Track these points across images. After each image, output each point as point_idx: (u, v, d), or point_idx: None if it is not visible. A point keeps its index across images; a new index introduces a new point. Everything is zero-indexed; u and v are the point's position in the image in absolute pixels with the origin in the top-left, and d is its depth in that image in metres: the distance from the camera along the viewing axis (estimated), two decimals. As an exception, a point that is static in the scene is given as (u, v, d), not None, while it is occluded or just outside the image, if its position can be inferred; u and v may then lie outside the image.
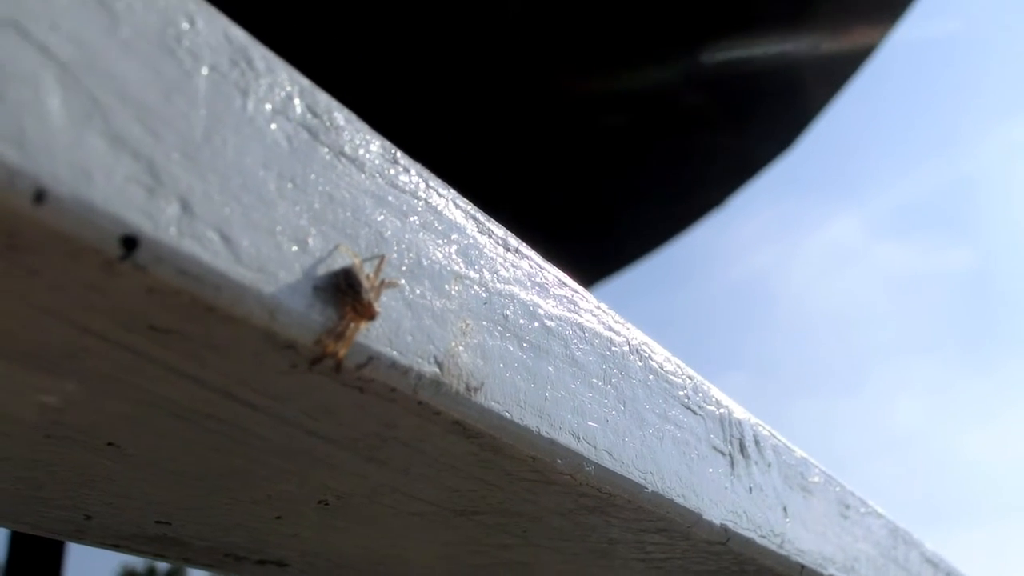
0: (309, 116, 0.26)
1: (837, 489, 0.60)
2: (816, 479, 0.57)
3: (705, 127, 1.68)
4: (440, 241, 0.31)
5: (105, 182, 0.20)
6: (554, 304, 0.36)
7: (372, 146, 0.28)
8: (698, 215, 1.86)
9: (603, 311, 0.40)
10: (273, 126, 0.25)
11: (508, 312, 0.33)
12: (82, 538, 0.47)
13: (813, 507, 0.55)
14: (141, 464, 0.35)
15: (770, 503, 0.50)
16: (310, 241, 0.26)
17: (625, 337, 0.41)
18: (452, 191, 0.32)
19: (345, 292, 0.26)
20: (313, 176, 0.26)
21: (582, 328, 0.38)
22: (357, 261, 0.27)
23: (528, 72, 1.44)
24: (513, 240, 0.35)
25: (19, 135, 0.19)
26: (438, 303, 0.30)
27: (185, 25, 0.23)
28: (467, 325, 0.31)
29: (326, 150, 0.27)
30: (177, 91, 0.22)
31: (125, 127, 0.21)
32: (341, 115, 0.27)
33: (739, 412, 0.49)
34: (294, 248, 0.25)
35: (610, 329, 0.40)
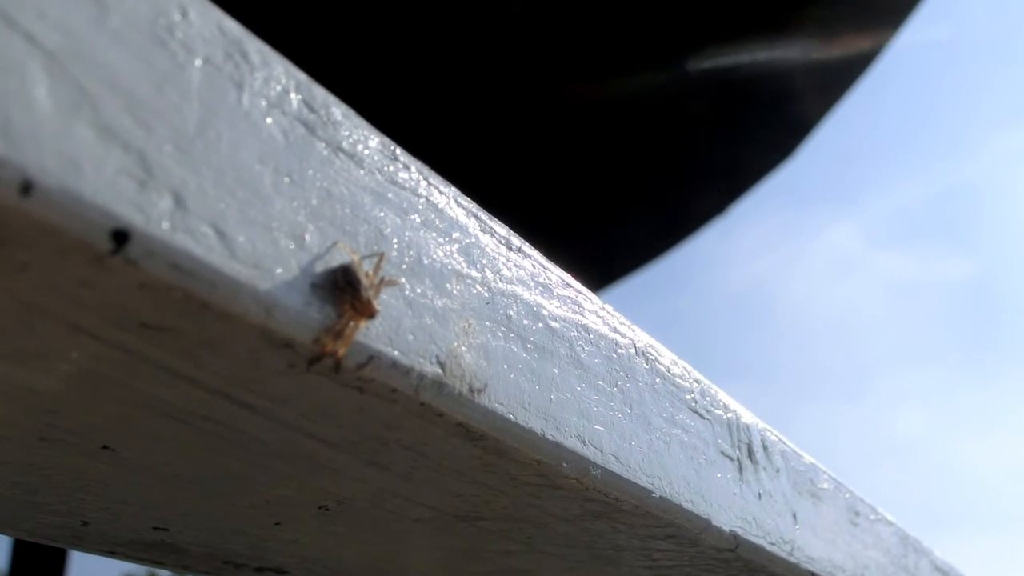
0: (306, 111, 0.26)
1: (847, 496, 0.59)
2: (825, 485, 0.56)
3: (707, 134, 1.68)
4: (441, 239, 0.30)
5: (95, 174, 0.20)
6: (558, 305, 0.36)
7: (371, 142, 0.28)
8: (700, 223, 1.85)
9: (608, 312, 0.39)
10: (269, 120, 0.24)
11: (511, 312, 0.33)
12: (79, 544, 0.47)
13: (823, 514, 0.54)
14: (136, 468, 0.34)
15: (779, 509, 0.49)
16: (307, 237, 0.25)
17: (631, 339, 0.40)
18: (453, 189, 0.31)
19: (344, 290, 0.25)
20: (310, 171, 0.25)
21: (587, 329, 0.37)
22: (356, 258, 0.26)
23: (531, 75, 1.44)
24: (516, 239, 0.35)
25: (5, 124, 0.18)
26: (439, 302, 0.29)
27: (177, 16, 0.22)
28: (469, 325, 0.30)
29: (323, 145, 0.26)
30: (169, 83, 0.22)
31: (115, 118, 0.20)
32: (339, 110, 0.27)
33: (747, 416, 0.48)
34: (291, 244, 0.24)
35: (615, 331, 0.39)
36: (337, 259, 0.26)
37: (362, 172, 0.27)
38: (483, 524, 0.41)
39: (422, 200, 0.30)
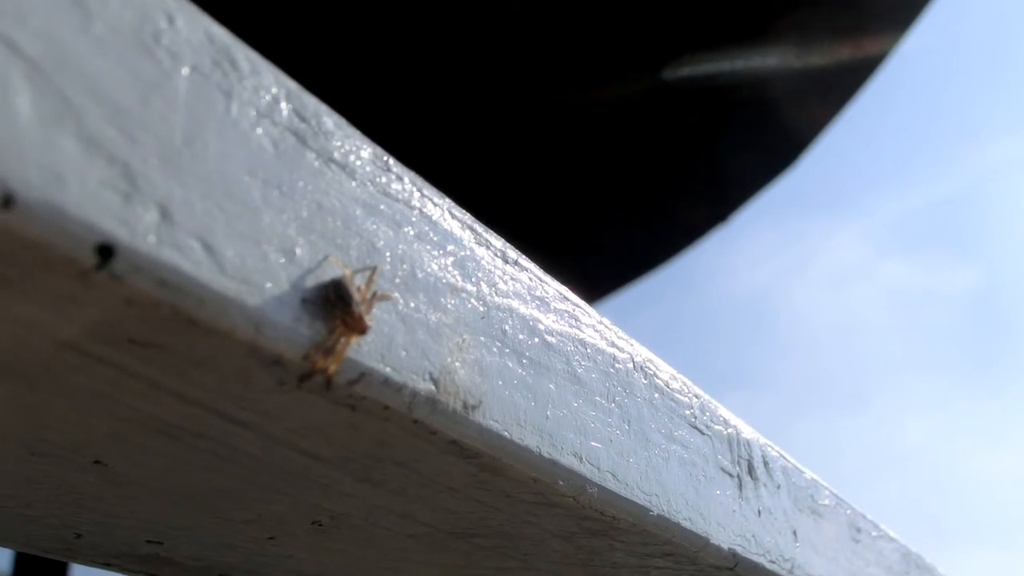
0: (296, 120, 0.25)
1: (848, 512, 0.59)
2: (826, 502, 0.56)
3: (709, 143, 1.67)
4: (435, 252, 0.30)
5: (78, 187, 0.19)
6: (555, 319, 0.35)
7: (363, 152, 0.27)
8: (701, 231, 1.84)
9: (606, 327, 0.38)
10: (258, 130, 0.24)
11: (507, 327, 0.32)
12: (73, 557, 0.46)
13: (823, 531, 0.54)
14: (129, 482, 0.33)
15: (779, 527, 0.48)
16: (298, 251, 0.24)
17: (629, 354, 0.39)
18: (448, 200, 0.31)
19: (335, 305, 0.25)
20: (301, 183, 0.25)
21: (584, 344, 0.37)
22: (348, 272, 0.26)
23: (526, 84, 1.43)
24: (512, 252, 0.34)
25: (-16, 136, 0.18)
26: (433, 317, 0.29)
27: (163, 23, 0.22)
28: (464, 340, 0.30)
29: (314, 156, 0.26)
30: (155, 92, 0.21)
31: (99, 129, 0.20)
32: (330, 120, 0.26)
33: (747, 432, 0.48)
34: (281, 258, 0.24)
35: (613, 345, 0.38)
36: (328, 273, 0.25)
37: (354, 184, 0.27)
38: (478, 541, 0.40)
39: (416, 212, 0.29)
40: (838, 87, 1.59)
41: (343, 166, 0.26)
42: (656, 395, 0.40)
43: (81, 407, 0.26)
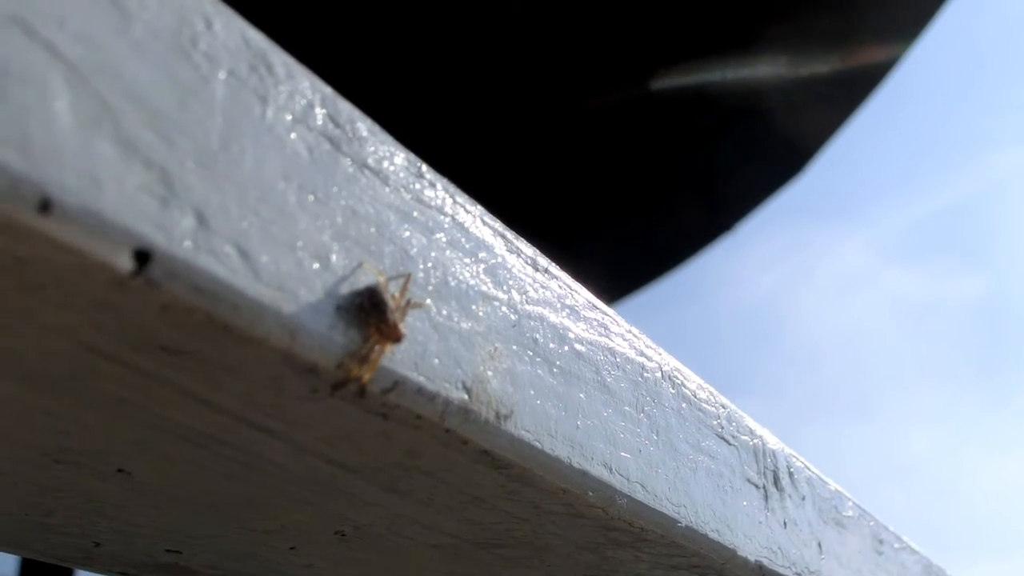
0: (331, 126, 0.25)
1: (871, 523, 0.58)
2: (850, 513, 0.55)
3: (716, 150, 1.67)
4: (467, 260, 0.29)
5: (116, 191, 0.19)
6: (585, 327, 0.35)
7: (397, 159, 0.27)
8: (706, 241, 1.83)
9: (635, 335, 0.38)
10: (293, 135, 0.24)
11: (538, 335, 0.32)
12: (91, 565, 0.46)
13: (847, 542, 0.53)
14: (152, 491, 0.33)
15: (805, 538, 0.48)
16: (333, 258, 0.24)
17: (658, 363, 0.39)
18: (479, 207, 0.30)
19: (369, 313, 0.24)
20: (335, 189, 0.25)
21: (613, 353, 0.36)
22: (382, 279, 0.25)
23: (546, 89, 1.43)
24: (543, 260, 0.34)
25: (23, 140, 0.17)
26: (465, 325, 0.28)
27: (201, 27, 0.21)
28: (496, 349, 0.29)
29: (349, 162, 0.25)
30: (192, 96, 0.21)
31: (137, 133, 0.19)
32: (364, 125, 0.26)
33: (773, 442, 0.47)
34: (316, 265, 0.23)
35: (642, 355, 0.38)
36: (362, 280, 0.25)
37: (388, 190, 0.26)
38: (502, 552, 0.40)
39: (448, 219, 0.29)
40: (845, 97, 1.59)
41: (377, 172, 0.26)
42: (684, 405, 0.40)
43: (107, 415, 0.26)
